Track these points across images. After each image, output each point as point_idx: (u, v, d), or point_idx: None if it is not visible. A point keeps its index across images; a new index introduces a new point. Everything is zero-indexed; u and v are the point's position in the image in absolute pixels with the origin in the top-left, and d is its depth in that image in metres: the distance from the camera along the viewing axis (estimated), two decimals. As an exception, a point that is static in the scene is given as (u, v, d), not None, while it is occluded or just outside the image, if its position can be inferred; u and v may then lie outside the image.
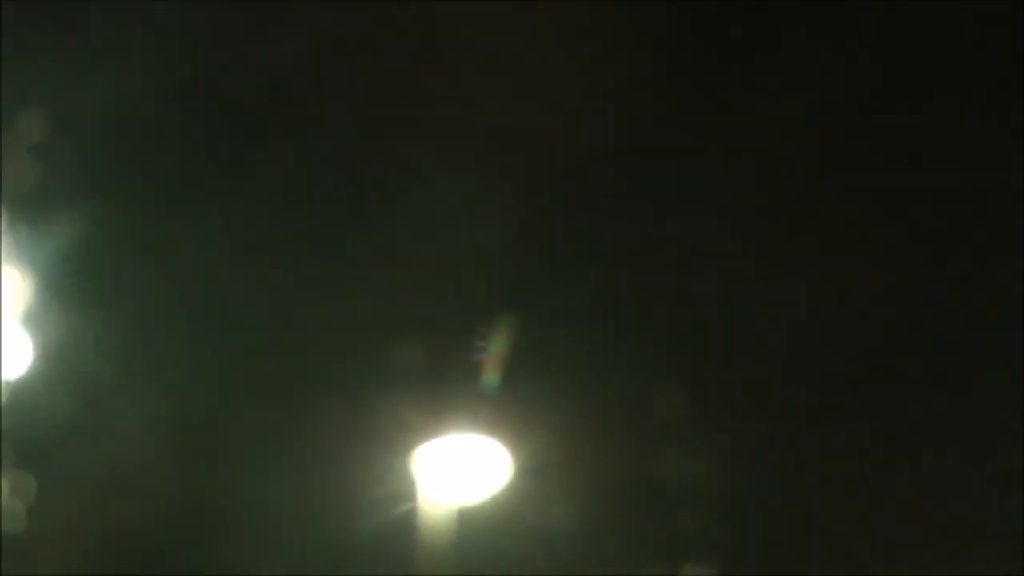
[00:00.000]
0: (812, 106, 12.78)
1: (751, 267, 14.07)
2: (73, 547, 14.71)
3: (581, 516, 15.79)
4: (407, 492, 14.76)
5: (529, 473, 15.13)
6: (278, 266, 13.52)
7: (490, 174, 13.26)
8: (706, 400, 14.91)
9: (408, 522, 14.88)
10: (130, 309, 13.47)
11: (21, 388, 13.57)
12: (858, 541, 15.49)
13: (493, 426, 14.48)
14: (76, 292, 13.05)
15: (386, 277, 14.03)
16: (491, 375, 14.39)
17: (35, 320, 13.11)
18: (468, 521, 15.02)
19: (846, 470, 15.15)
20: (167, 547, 15.75)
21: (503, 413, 14.56)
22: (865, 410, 14.82)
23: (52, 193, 12.39)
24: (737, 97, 12.78)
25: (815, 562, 15.42)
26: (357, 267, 13.94)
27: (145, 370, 14.00)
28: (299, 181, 13.14)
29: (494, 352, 14.27)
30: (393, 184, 13.46)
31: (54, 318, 13.17)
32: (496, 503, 15.13)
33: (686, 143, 13.22)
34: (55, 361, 13.45)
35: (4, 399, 13.57)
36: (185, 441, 14.96)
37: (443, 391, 14.23)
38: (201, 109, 12.62)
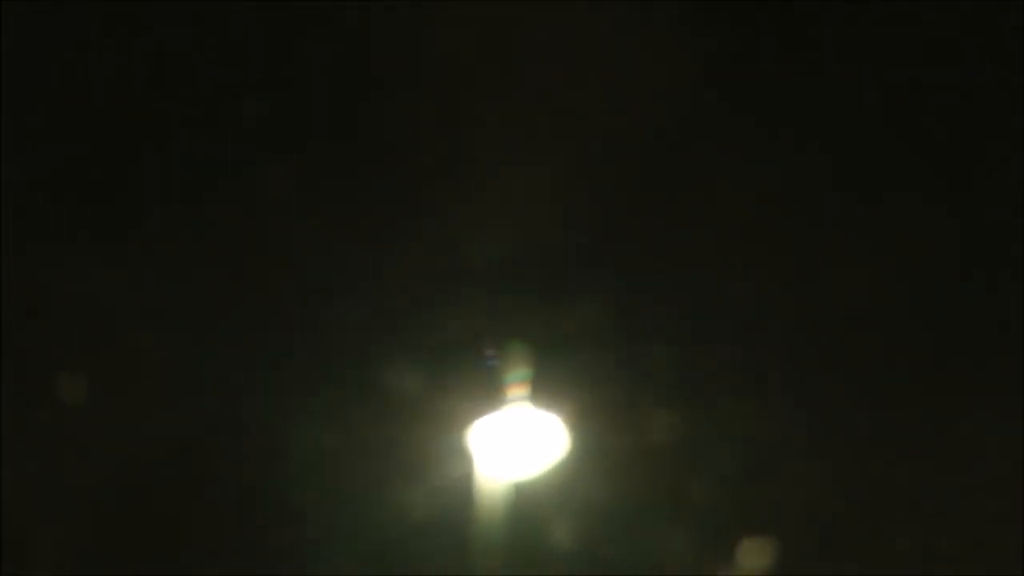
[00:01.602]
0: (864, 82, 12.90)
1: (802, 246, 14.16)
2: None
3: (636, 489, 15.91)
4: (463, 467, 14.88)
5: (585, 446, 15.26)
6: (337, 239, 13.72)
7: (540, 161, 13.43)
8: (760, 374, 15.01)
9: (464, 496, 15.01)
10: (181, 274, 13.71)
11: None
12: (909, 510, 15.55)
13: (549, 400, 14.60)
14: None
15: (443, 256, 14.19)
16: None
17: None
18: (524, 495, 15.15)
19: (898, 441, 15.24)
20: (224, 530, 15.97)
21: (559, 387, 14.69)
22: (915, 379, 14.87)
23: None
24: (791, 87, 12.92)
25: (876, 531, 15.51)
26: (413, 249, 14.11)
27: (215, 348, 14.23)
28: (361, 162, 13.37)
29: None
30: (452, 169, 13.66)
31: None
32: (552, 477, 15.26)
33: (738, 132, 13.37)
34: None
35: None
36: (242, 416, 15.15)
37: (499, 365, 14.37)
38: (252, 92, 12.84)
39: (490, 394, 14.37)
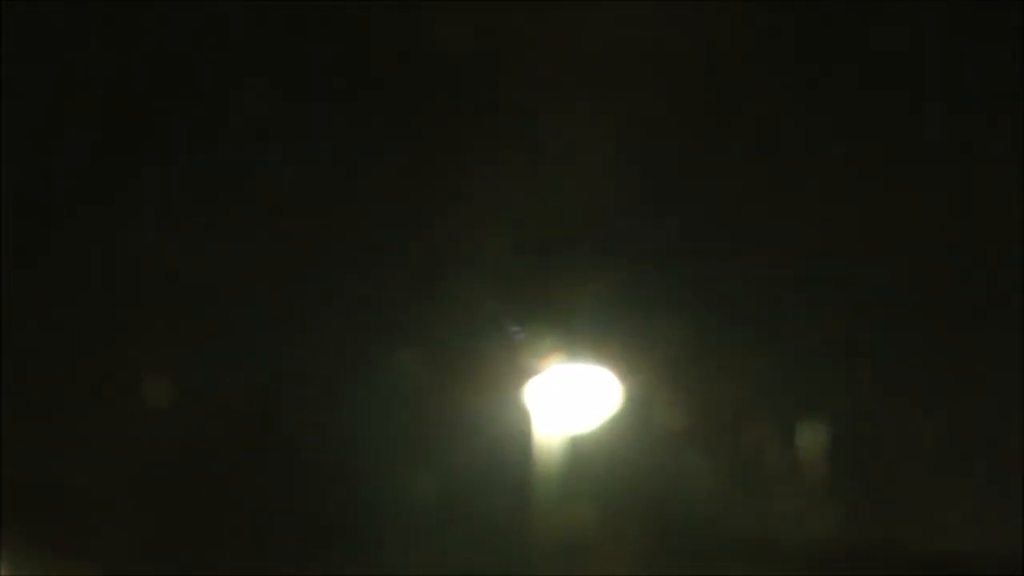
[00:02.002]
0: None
1: (856, 187, 14.27)
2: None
3: (689, 443, 16.15)
4: (521, 422, 15.09)
5: (639, 401, 15.48)
6: (396, 196, 13.97)
7: (594, 119, 13.62)
8: (814, 327, 15.18)
9: (521, 451, 15.24)
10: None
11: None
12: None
13: (604, 356, 14.81)
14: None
15: (498, 219, 14.41)
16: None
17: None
18: (580, 449, 15.38)
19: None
20: (297, 484, 16.27)
21: (613, 343, 14.90)
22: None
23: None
24: (836, 38, 13.05)
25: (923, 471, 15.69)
26: (470, 209, 14.34)
27: (278, 309, 14.53)
28: (412, 117, 13.59)
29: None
30: (504, 126, 13.87)
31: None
32: (607, 431, 15.49)
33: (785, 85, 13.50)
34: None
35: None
36: (311, 384, 15.45)
37: (554, 323, 14.61)
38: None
39: (546, 352, 14.59)
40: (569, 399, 15.06)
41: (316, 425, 15.29)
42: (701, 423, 16.07)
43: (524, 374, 14.89)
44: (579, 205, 13.98)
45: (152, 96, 13.49)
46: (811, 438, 16.47)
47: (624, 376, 15.11)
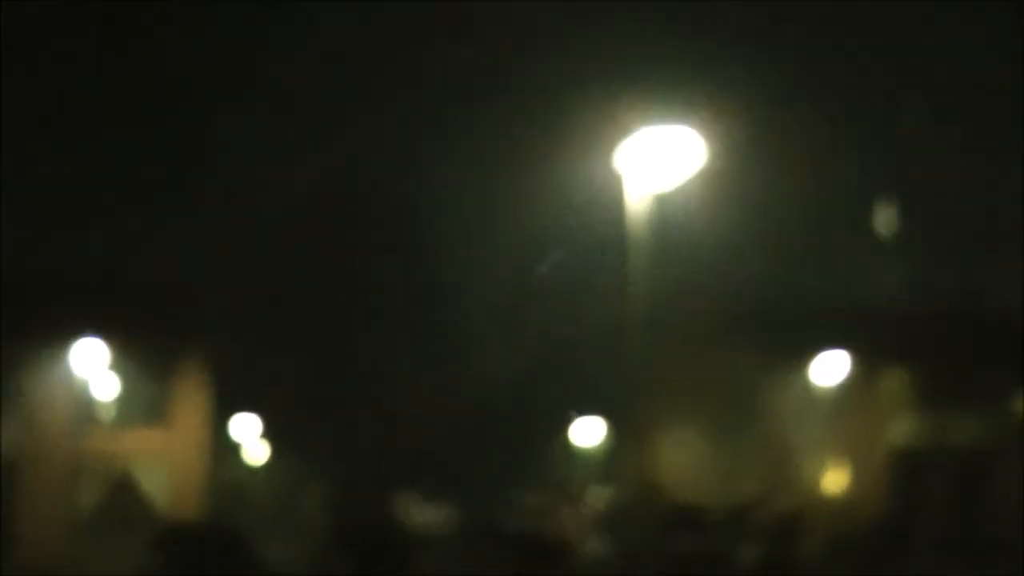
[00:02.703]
0: None
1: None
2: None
3: (774, 201, 16.53)
4: (610, 184, 15.47)
5: (724, 160, 15.81)
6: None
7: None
8: (892, 103, 15.37)
9: (611, 213, 15.67)
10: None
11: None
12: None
13: (690, 115, 15.10)
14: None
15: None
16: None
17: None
18: (667, 209, 15.77)
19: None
20: (385, 262, 16.78)
21: (700, 102, 15.20)
22: None
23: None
24: None
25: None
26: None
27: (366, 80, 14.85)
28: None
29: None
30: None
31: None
32: (693, 191, 15.86)
33: None
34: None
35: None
36: (399, 158, 15.87)
37: (642, 84, 14.90)
38: None
39: (636, 114, 14.88)
40: (656, 160, 15.35)
41: (404, 201, 15.74)
42: (784, 183, 16.38)
43: (613, 137, 15.18)
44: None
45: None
46: (887, 200, 16.74)
47: (710, 136, 15.34)
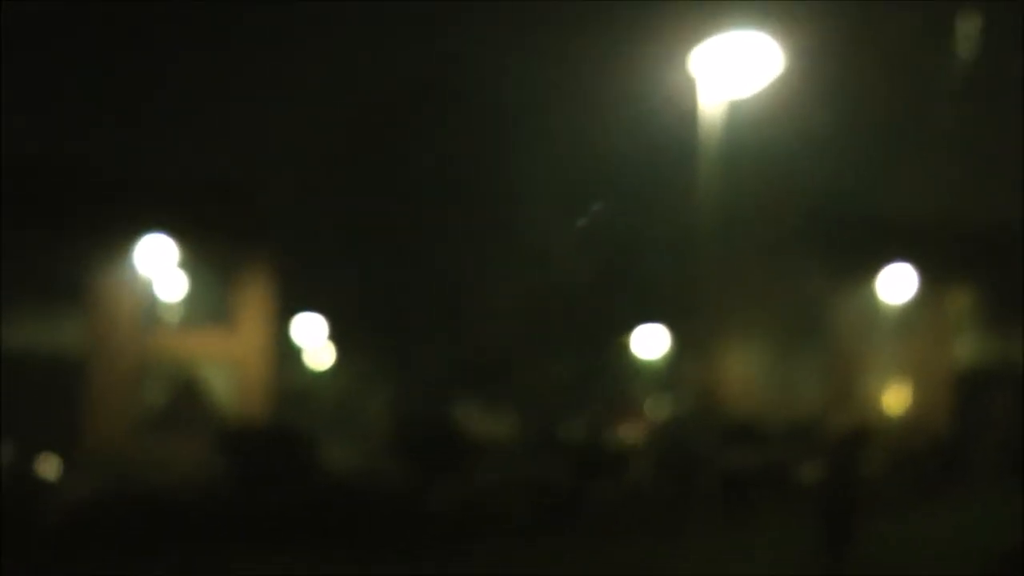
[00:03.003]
0: None
1: None
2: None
3: (847, 111, 16.30)
4: (685, 90, 15.27)
5: (798, 69, 15.56)
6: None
7: None
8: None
9: (686, 119, 15.49)
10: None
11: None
12: None
13: (765, 21, 14.85)
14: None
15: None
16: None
17: None
18: (742, 115, 15.57)
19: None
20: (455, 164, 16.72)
21: (775, 8, 14.92)
22: None
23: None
24: None
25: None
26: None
27: None
28: None
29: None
30: None
31: None
32: (768, 97, 15.64)
33: None
34: None
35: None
36: (474, 54, 15.71)
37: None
38: None
39: (712, 19, 14.65)
40: (731, 66, 15.11)
41: (477, 104, 15.65)
42: (857, 93, 16.14)
43: (688, 42, 14.98)
44: None
45: None
46: (961, 113, 16.47)
47: (786, 43, 15.11)
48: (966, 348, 31.26)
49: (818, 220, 24.51)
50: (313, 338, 33.55)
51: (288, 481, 20.58)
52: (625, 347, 31.70)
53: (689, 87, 15.31)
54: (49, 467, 18.88)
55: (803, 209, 22.21)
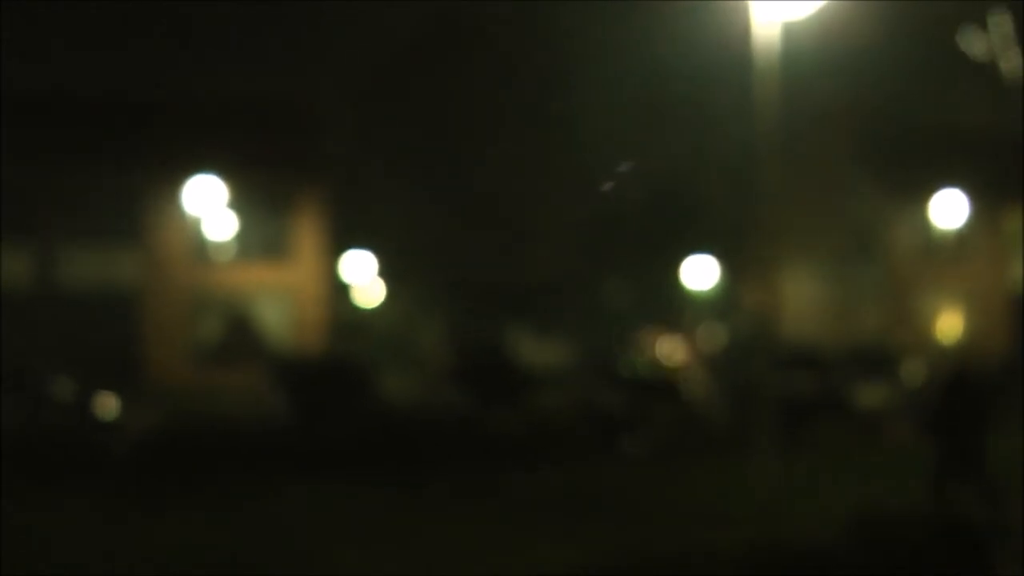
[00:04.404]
0: None
1: None
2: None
3: (902, 32, 16.06)
4: (739, 11, 15.08)
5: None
6: None
7: None
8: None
9: (741, 42, 15.31)
10: None
11: None
12: None
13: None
14: None
15: None
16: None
17: None
18: (796, 37, 15.36)
19: None
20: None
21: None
22: None
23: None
24: None
25: None
26: None
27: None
28: None
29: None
30: None
31: None
32: (823, 18, 15.42)
33: None
34: None
35: None
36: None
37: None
38: None
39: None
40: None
41: (528, 28, 15.53)
42: (913, 13, 15.91)
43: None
44: None
45: None
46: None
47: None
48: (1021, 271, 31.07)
49: (875, 142, 24.27)
50: (363, 274, 33.63)
51: (344, 411, 20.75)
52: (678, 275, 31.57)
53: (743, 10, 15.13)
54: (108, 402, 19.05)
55: (858, 132, 21.99)
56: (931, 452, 9.58)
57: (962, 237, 30.08)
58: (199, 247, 28.87)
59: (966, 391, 9.87)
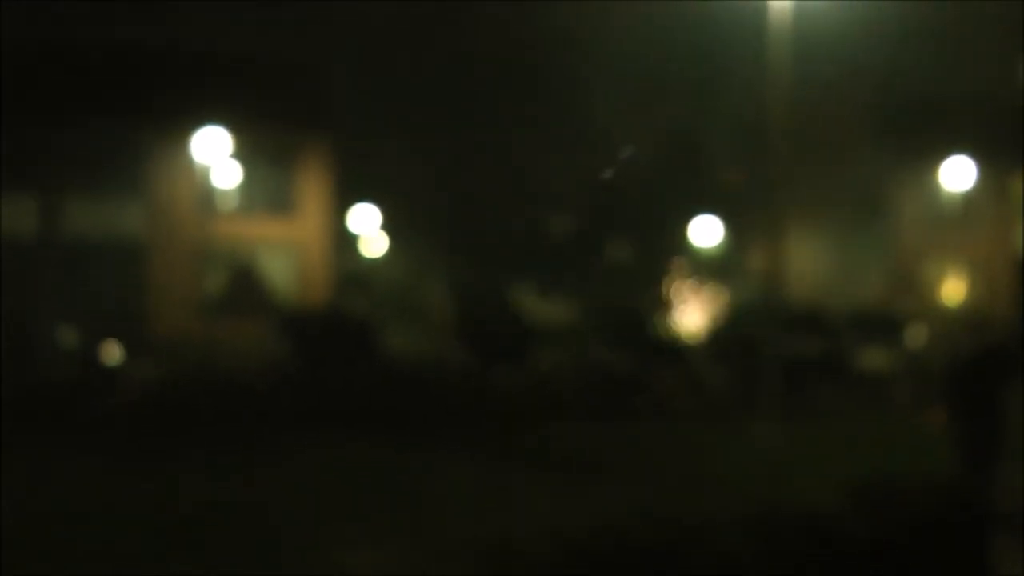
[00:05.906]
0: None
1: None
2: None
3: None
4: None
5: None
6: None
7: None
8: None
9: (754, 10, 15.23)
10: None
11: None
12: None
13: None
14: None
15: None
16: None
17: None
18: (808, 17, 15.29)
19: None
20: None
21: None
22: None
23: None
24: None
25: None
26: None
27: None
28: None
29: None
30: None
31: None
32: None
33: None
34: None
35: None
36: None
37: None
38: None
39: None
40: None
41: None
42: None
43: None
44: None
45: None
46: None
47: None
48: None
49: (883, 108, 24.19)
50: (369, 229, 33.55)
51: (348, 363, 20.73)
52: (686, 235, 31.51)
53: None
54: (113, 352, 19.06)
55: (865, 96, 21.91)
56: (953, 428, 9.42)
57: (969, 202, 30.00)
58: (204, 199, 28.81)
59: (994, 369, 9.62)
